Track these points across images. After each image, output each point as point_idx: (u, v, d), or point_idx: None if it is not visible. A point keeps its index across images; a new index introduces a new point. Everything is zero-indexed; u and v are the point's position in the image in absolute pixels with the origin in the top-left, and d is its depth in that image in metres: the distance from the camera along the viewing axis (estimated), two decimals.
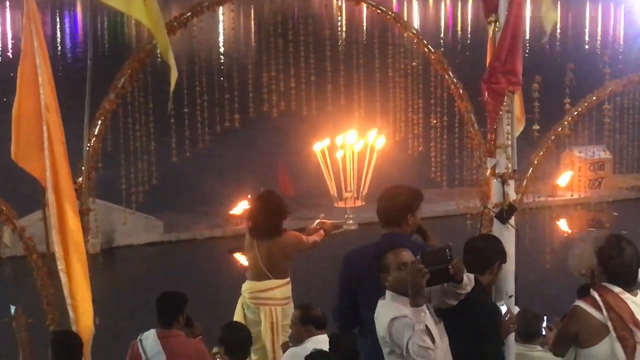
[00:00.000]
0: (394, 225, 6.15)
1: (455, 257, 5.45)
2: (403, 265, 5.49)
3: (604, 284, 5.96)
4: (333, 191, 8.88)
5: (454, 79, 8.69)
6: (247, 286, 8.74)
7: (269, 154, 22.35)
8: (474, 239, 6.16)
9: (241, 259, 15.24)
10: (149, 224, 17.66)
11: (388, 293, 5.50)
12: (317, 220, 9.05)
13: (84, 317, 6.95)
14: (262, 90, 8.34)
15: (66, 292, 6.92)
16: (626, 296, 5.89)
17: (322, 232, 8.93)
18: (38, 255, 7.14)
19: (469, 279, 5.60)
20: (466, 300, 5.66)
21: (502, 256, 6.04)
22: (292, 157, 20.97)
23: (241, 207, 18.08)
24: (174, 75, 6.81)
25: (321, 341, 7.39)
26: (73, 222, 6.91)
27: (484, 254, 5.96)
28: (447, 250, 5.40)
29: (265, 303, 8.62)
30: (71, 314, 6.95)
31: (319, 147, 8.88)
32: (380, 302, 5.55)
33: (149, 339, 7.29)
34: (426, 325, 5.28)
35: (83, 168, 7.34)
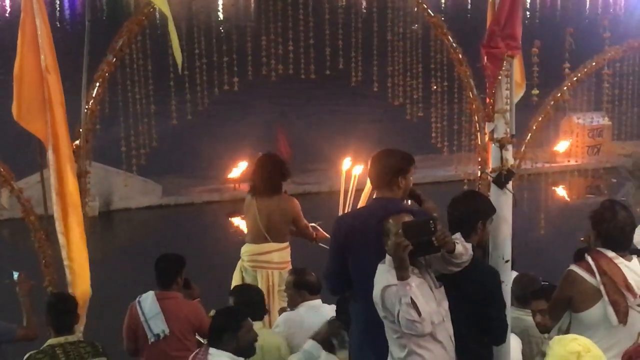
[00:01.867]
0: (384, 189, 6.10)
1: (442, 228, 5.40)
2: None
3: (598, 248, 5.99)
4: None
5: (454, 44, 8.66)
6: (245, 249, 8.78)
7: (268, 119, 22.33)
8: (453, 201, 5.99)
9: (240, 223, 15.29)
10: (147, 187, 17.67)
11: (387, 258, 5.48)
12: (312, 224, 9.02)
13: (81, 280, 7.00)
14: (261, 54, 8.31)
15: (64, 254, 6.95)
16: (620, 261, 5.92)
17: (314, 234, 8.93)
18: (36, 217, 7.15)
19: (464, 247, 5.56)
20: (464, 267, 5.66)
21: (483, 215, 5.90)
22: (290, 122, 21.01)
23: (239, 171, 18.09)
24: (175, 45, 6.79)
25: (315, 306, 7.45)
26: (72, 184, 6.93)
27: (464, 216, 5.86)
28: (431, 221, 5.33)
29: (263, 266, 8.66)
30: (68, 276, 6.98)
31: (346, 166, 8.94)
32: (379, 267, 5.53)
33: (148, 300, 7.32)
34: (411, 298, 5.26)
35: (81, 130, 7.33)
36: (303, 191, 17.42)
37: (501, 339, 5.94)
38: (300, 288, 7.49)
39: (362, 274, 5.68)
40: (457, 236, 5.59)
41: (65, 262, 6.97)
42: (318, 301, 7.50)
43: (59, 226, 6.92)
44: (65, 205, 6.89)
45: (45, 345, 6.39)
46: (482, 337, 5.81)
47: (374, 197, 6.29)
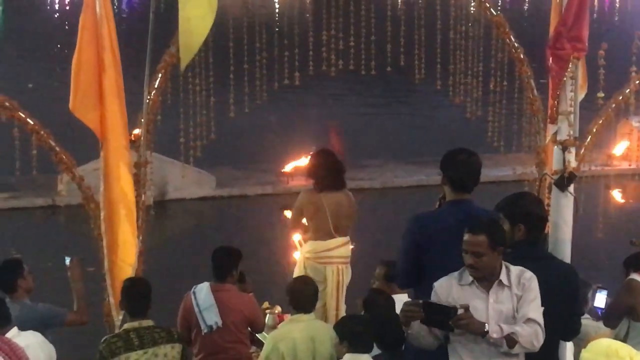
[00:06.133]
0: (466, 192, 6.08)
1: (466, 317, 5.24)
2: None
3: None
4: None
5: (515, 44, 8.59)
6: (311, 247, 8.65)
7: (324, 114, 22.37)
8: (504, 198, 5.89)
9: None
10: (201, 179, 17.79)
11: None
12: None
13: (122, 273, 7.04)
14: (322, 49, 8.31)
15: (104, 242, 7.02)
16: None
17: None
18: (96, 205, 7.20)
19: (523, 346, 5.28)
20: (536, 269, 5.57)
21: (526, 219, 5.69)
22: (346, 117, 21.02)
23: (293, 165, 18.13)
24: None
25: (401, 300, 7.32)
26: (125, 179, 6.98)
27: (507, 214, 5.74)
28: (454, 311, 5.20)
29: (332, 262, 8.61)
30: (106, 264, 7.05)
31: None
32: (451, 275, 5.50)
33: (203, 291, 7.36)
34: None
35: (142, 120, 7.37)
36: (356, 187, 17.38)
37: (577, 332, 5.90)
38: (391, 281, 7.41)
39: (438, 273, 5.65)
40: (518, 329, 5.26)
41: (105, 251, 7.04)
42: (405, 295, 7.39)
43: (102, 215, 6.99)
44: (112, 198, 6.96)
45: (120, 329, 6.46)
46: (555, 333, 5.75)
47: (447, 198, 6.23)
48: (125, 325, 6.47)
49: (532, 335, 5.17)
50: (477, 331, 5.17)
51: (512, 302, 5.28)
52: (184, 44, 7.01)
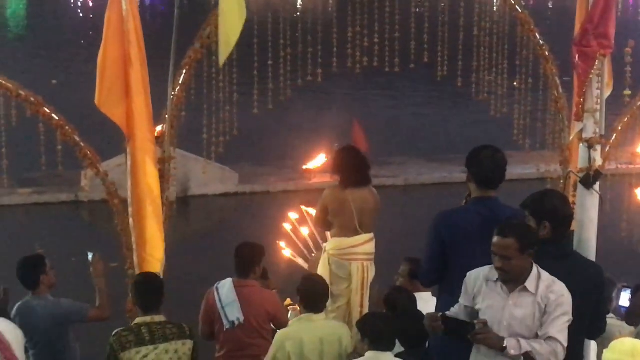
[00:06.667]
0: (491, 189, 6.07)
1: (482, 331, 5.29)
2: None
3: None
4: None
5: (540, 41, 8.54)
6: (335, 244, 8.58)
7: (347, 110, 22.34)
8: (531, 194, 5.84)
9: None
10: (224, 175, 17.82)
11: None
12: None
13: (151, 268, 7.00)
14: (346, 46, 8.29)
15: (134, 238, 7.03)
16: None
17: None
18: (120, 201, 7.21)
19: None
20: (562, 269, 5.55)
21: (552, 217, 5.63)
22: (368, 115, 20.97)
23: (315, 162, 18.12)
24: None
25: (424, 298, 7.31)
26: (151, 175, 6.98)
27: (534, 211, 5.68)
28: (471, 326, 5.31)
29: (357, 258, 8.58)
30: (136, 259, 7.05)
31: None
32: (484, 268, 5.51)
33: (225, 287, 7.37)
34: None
35: (167, 116, 7.38)
36: (379, 184, 17.32)
37: (602, 331, 5.88)
38: (415, 278, 7.38)
39: (463, 271, 5.64)
40: (537, 347, 5.25)
41: (134, 246, 7.05)
42: (429, 294, 7.38)
43: (130, 211, 7.01)
44: (139, 194, 6.96)
45: (132, 323, 6.46)
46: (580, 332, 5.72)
47: (472, 196, 6.21)
48: (137, 320, 6.45)
49: (551, 354, 5.19)
50: (496, 346, 5.21)
51: (532, 309, 5.28)
52: (223, 39, 6.99)
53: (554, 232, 5.56)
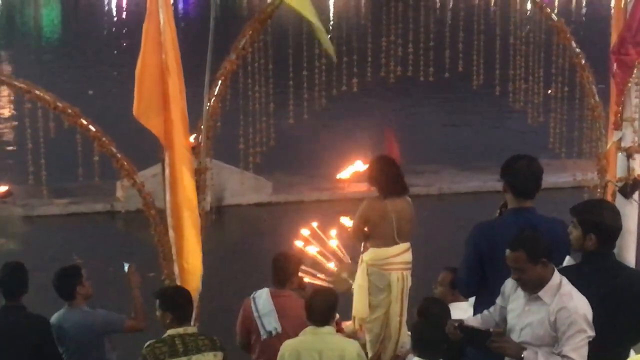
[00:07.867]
0: (528, 199, 6.03)
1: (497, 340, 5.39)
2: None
3: None
4: None
5: (576, 49, 8.49)
6: (375, 254, 8.62)
7: (381, 120, 22.32)
8: (580, 203, 5.84)
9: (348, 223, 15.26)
10: (258, 184, 17.85)
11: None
12: None
13: (192, 278, 7.06)
14: (380, 55, 8.28)
15: (174, 250, 7.05)
16: None
17: None
18: (156, 211, 7.23)
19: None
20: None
21: (599, 229, 5.59)
22: (401, 124, 20.93)
23: (349, 171, 18.11)
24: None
25: (462, 308, 7.29)
26: (188, 185, 7.00)
27: (581, 222, 5.61)
28: (487, 334, 5.43)
29: (396, 268, 8.59)
30: (176, 271, 7.07)
31: None
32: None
33: (262, 297, 7.38)
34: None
35: (202, 127, 7.40)
36: (412, 193, 17.31)
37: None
38: (455, 287, 7.34)
39: (500, 282, 5.64)
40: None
41: (174, 257, 7.06)
42: (466, 303, 7.35)
43: (170, 222, 7.03)
44: (178, 203, 6.98)
45: (165, 335, 6.48)
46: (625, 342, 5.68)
47: (509, 206, 6.18)
48: (170, 331, 6.47)
49: None
50: (513, 356, 5.30)
51: (543, 319, 5.32)
52: (322, 37, 7.06)
53: (599, 245, 5.51)
